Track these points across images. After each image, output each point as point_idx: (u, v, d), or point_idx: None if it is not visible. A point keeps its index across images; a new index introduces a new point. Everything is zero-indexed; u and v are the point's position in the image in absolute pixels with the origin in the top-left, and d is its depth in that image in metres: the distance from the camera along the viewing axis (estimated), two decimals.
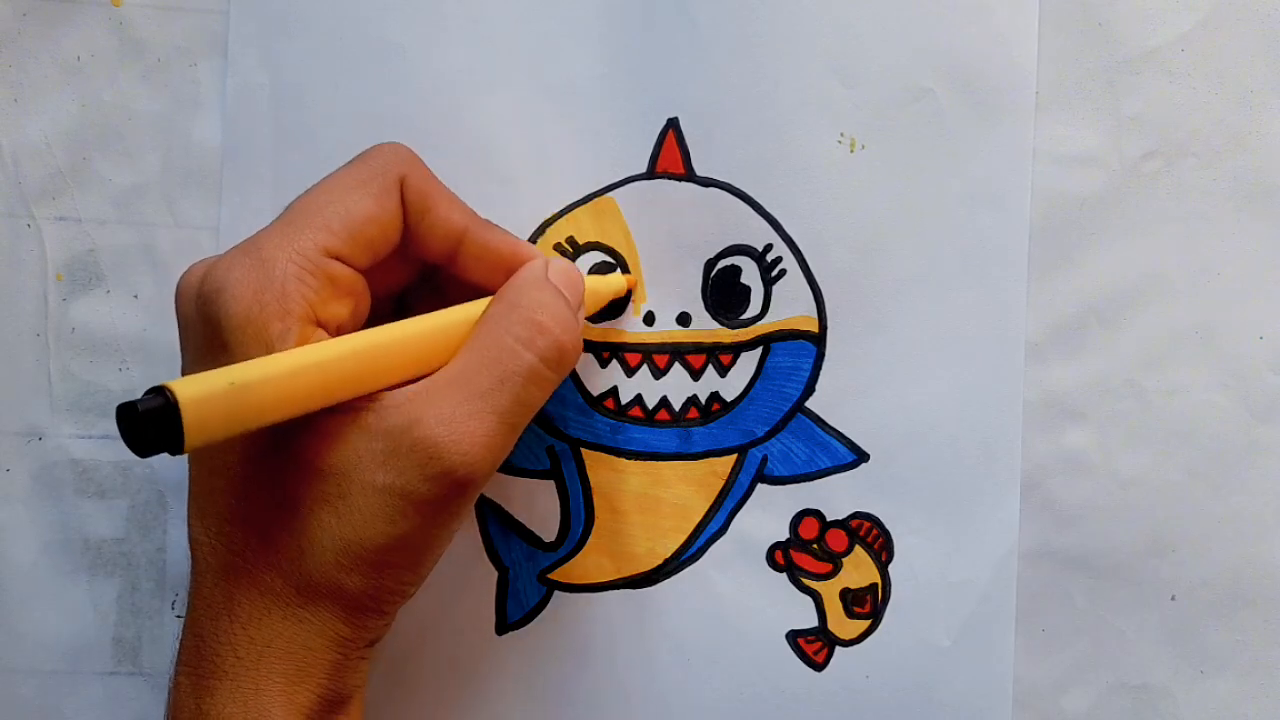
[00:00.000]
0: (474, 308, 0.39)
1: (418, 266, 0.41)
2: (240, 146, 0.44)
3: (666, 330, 0.44)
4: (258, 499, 0.36)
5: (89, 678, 0.44)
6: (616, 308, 0.44)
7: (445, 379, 0.37)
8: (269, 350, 0.35)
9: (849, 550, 0.44)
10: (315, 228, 0.37)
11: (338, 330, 0.37)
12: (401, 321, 0.37)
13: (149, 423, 0.31)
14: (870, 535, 0.44)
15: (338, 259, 0.37)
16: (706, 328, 0.44)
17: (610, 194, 0.44)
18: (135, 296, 0.44)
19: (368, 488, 0.35)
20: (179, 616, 0.44)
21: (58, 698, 0.44)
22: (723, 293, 0.44)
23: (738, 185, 0.44)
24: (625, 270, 0.44)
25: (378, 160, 0.39)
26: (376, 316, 0.39)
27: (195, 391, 0.32)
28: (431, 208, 0.39)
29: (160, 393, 0.31)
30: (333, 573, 0.36)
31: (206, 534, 0.37)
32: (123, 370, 0.44)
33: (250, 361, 0.34)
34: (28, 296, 0.44)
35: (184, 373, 0.37)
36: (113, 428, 0.44)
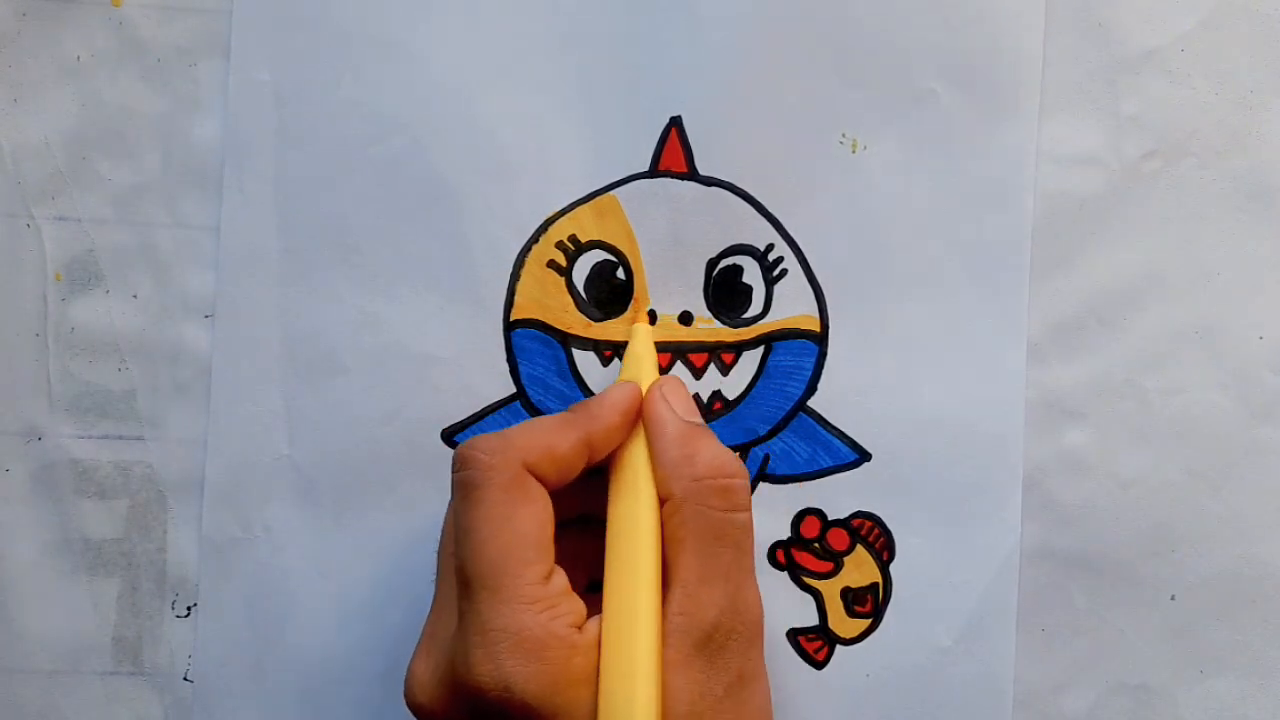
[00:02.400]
0: (643, 487, 0.39)
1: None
2: (241, 145, 0.44)
3: (668, 329, 0.44)
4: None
5: (89, 678, 0.44)
6: (619, 306, 0.44)
7: (695, 577, 0.38)
8: (590, 687, 0.36)
9: (850, 549, 0.44)
10: (528, 563, 0.37)
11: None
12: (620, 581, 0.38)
13: None
14: (871, 534, 0.44)
15: (551, 572, 0.37)
16: (708, 327, 0.44)
17: (612, 192, 0.44)
18: (135, 296, 0.44)
19: (715, 698, 0.37)
20: (179, 617, 0.44)
21: (58, 698, 0.44)
22: (724, 292, 0.44)
23: (740, 185, 0.44)
24: (628, 270, 0.44)
25: (491, 468, 0.38)
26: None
27: None
28: (562, 470, 0.39)
29: None
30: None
31: None
32: (122, 370, 0.44)
33: None
34: (27, 296, 0.44)
35: None
36: (112, 427, 0.44)
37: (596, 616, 0.37)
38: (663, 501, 0.39)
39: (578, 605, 0.37)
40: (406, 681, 0.37)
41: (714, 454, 0.39)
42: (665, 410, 0.40)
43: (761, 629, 0.39)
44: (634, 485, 0.39)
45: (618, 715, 0.35)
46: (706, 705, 0.37)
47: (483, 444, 0.38)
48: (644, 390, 0.41)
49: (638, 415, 0.40)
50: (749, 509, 0.39)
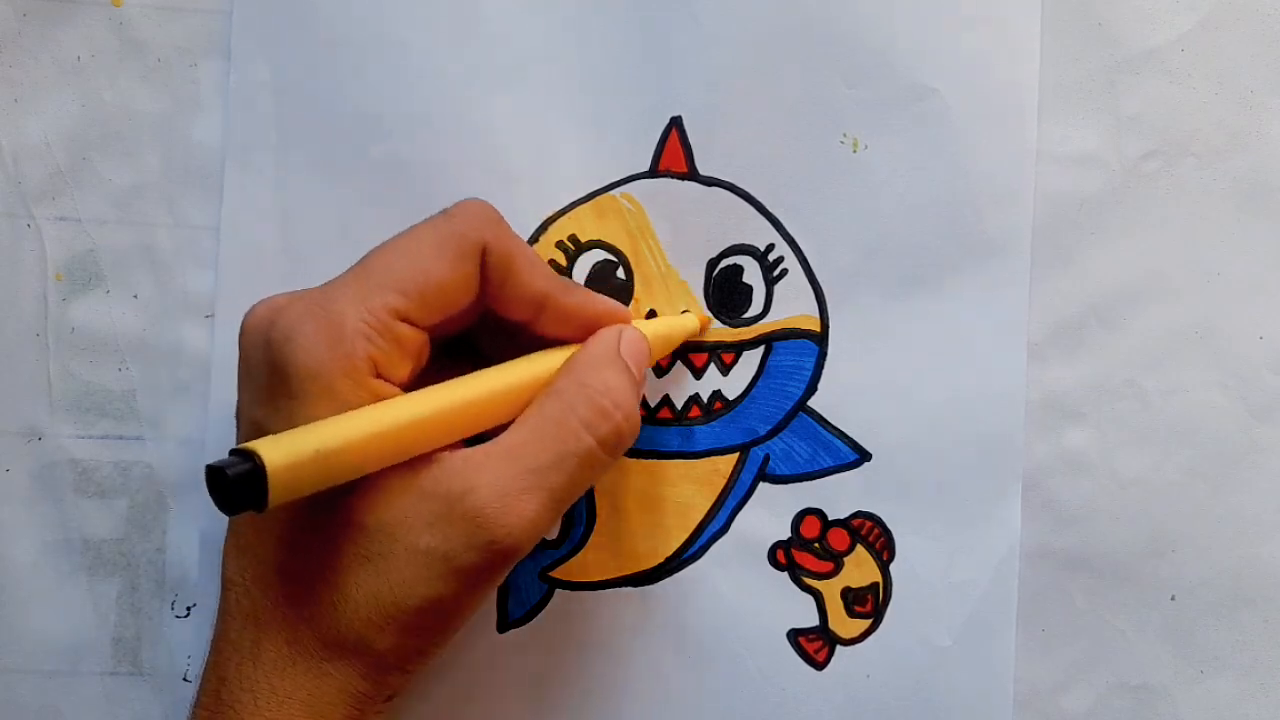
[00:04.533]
0: (542, 366, 0.39)
1: (481, 311, 0.40)
2: (242, 145, 0.44)
3: None
4: (299, 549, 0.36)
5: (88, 678, 0.44)
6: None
7: (503, 448, 0.37)
8: (336, 404, 0.35)
9: (850, 549, 0.44)
10: (389, 289, 0.37)
11: (398, 385, 0.37)
12: (470, 380, 0.38)
13: (237, 485, 0.32)
14: (872, 534, 0.44)
15: (407, 320, 0.37)
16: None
17: (613, 192, 0.44)
18: (135, 296, 0.44)
19: (412, 549, 0.36)
20: (179, 617, 0.44)
21: (57, 698, 0.44)
22: (725, 292, 0.44)
23: (740, 185, 0.44)
24: (628, 270, 0.44)
25: (461, 221, 0.38)
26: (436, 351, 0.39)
27: (282, 458, 0.33)
28: (513, 275, 0.39)
29: (248, 457, 0.32)
30: (363, 630, 0.36)
31: (242, 577, 0.37)
32: (122, 370, 0.44)
33: (330, 424, 0.34)
34: (27, 296, 0.44)
35: (240, 406, 0.38)
36: (112, 427, 0.44)
37: (395, 390, 0.37)
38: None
39: (396, 364, 0.37)
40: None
41: (619, 386, 0.38)
42: (611, 335, 0.40)
43: (514, 556, 0.36)
44: (545, 356, 0.39)
45: (321, 427, 0.34)
46: (412, 541, 0.36)
47: (470, 203, 0.39)
48: (625, 320, 0.41)
49: (593, 321, 0.40)
50: (606, 451, 0.38)
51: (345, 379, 0.35)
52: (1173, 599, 0.45)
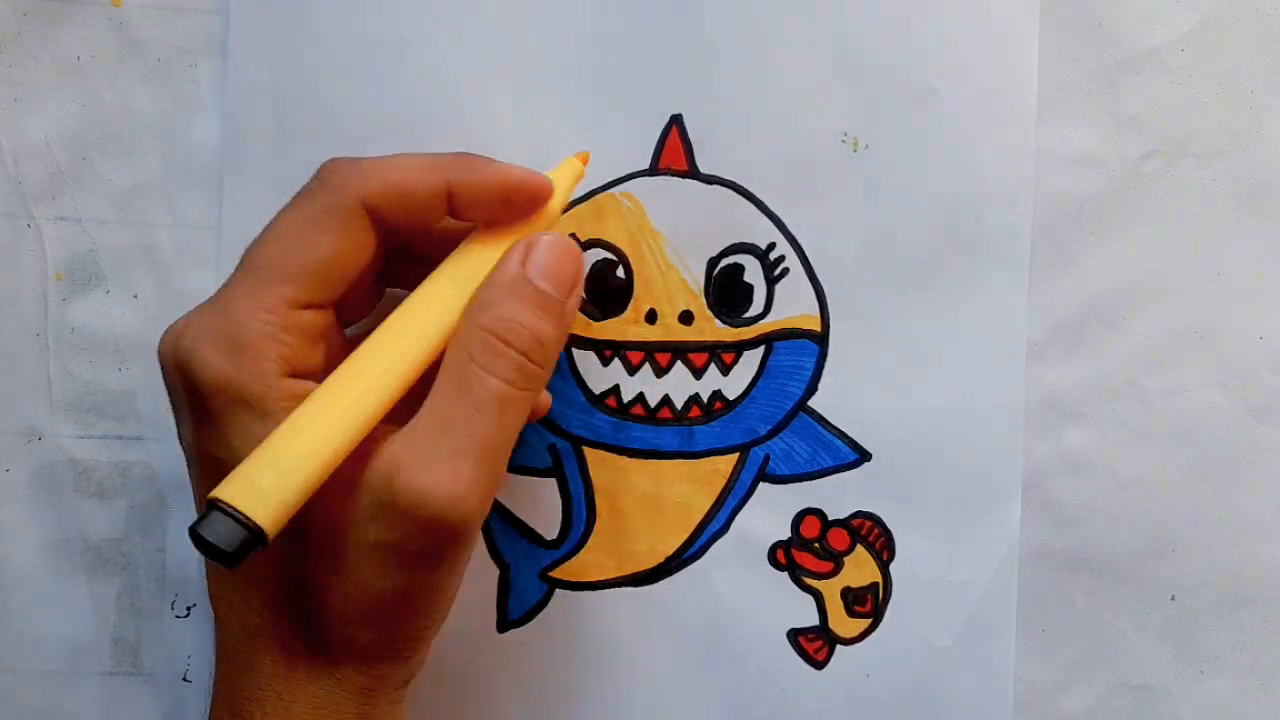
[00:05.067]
0: (445, 300, 0.37)
1: (384, 263, 0.39)
2: (240, 145, 0.44)
3: (668, 328, 0.44)
4: (267, 560, 0.35)
5: (88, 678, 0.44)
6: (619, 305, 0.44)
7: (424, 417, 0.35)
8: (254, 412, 0.34)
9: (850, 549, 0.44)
10: (279, 280, 0.35)
11: (319, 372, 0.36)
12: (377, 340, 0.36)
13: (222, 550, 0.32)
14: (872, 534, 0.44)
15: (309, 306, 0.36)
16: (709, 326, 0.44)
17: (613, 191, 0.44)
18: (135, 296, 0.44)
19: (360, 546, 0.34)
20: (179, 617, 0.44)
21: (57, 698, 0.44)
22: (725, 291, 0.44)
23: (741, 183, 0.44)
24: (627, 269, 0.44)
25: (330, 188, 0.36)
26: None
27: (251, 504, 0.32)
28: (409, 205, 0.37)
29: (224, 512, 0.32)
30: (343, 629, 0.35)
31: (223, 591, 0.37)
32: (122, 370, 0.44)
33: (265, 453, 0.33)
34: (27, 296, 0.44)
35: (179, 433, 0.37)
36: (112, 427, 0.44)
37: (313, 385, 0.35)
38: None
39: (308, 355, 0.36)
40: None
41: (515, 311, 0.36)
42: (516, 254, 0.37)
43: (446, 531, 0.34)
44: (447, 286, 0.37)
45: (271, 445, 0.33)
46: (355, 536, 0.34)
47: (342, 164, 0.37)
48: (538, 189, 0.38)
49: (520, 205, 0.38)
50: (516, 384, 0.35)
51: (257, 384, 0.34)
52: (1173, 599, 0.45)
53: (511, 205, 0.38)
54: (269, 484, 0.32)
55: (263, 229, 0.37)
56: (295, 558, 0.35)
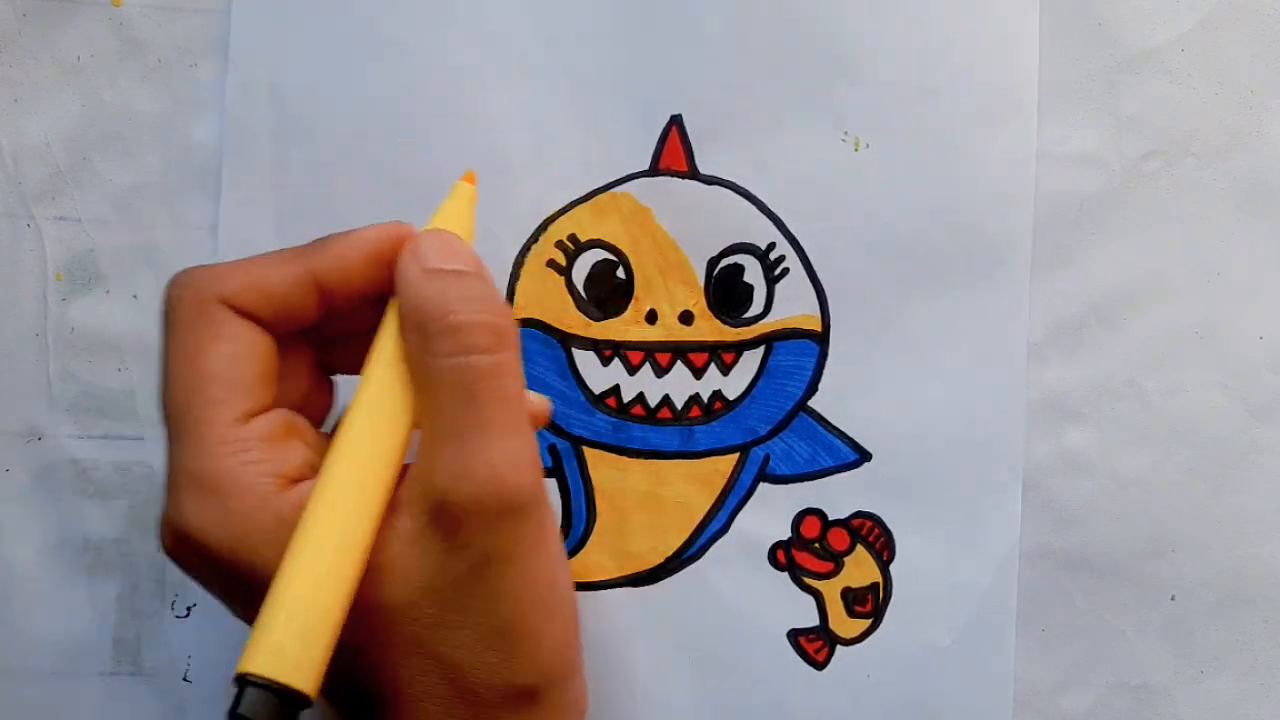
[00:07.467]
0: (387, 349, 0.35)
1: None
2: (240, 145, 0.44)
3: (669, 328, 0.44)
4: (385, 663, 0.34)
5: (89, 678, 0.44)
6: (620, 305, 0.44)
7: (429, 438, 0.34)
8: (277, 548, 0.32)
9: (850, 549, 0.44)
10: (214, 403, 0.34)
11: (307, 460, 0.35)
12: (350, 432, 0.34)
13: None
14: (872, 534, 0.44)
15: (255, 414, 0.34)
16: (709, 326, 0.44)
17: (613, 191, 0.44)
18: (135, 296, 0.44)
19: (456, 579, 0.33)
20: (179, 617, 0.44)
21: (57, 698, 0.44)
22: (725, 291, 0.44)
23: (741, 183, 0.44)
24: (627, 269, 0.44)
25: (187, 301, 0.34)
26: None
27: (284, 670, 0.31)
28: (278, 305, 0.35)
29: (258, 686, 0.31)
30: (489, 678, 0.34)
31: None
32: (122, 370, 0.44)
33: (278, 611, 0.31)
34: (27, 296, 0.44)
35: (241, 607, 0.35)
36: (111, 427, 0.44)
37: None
38: None
39: (287, 457, 0.34)
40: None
41: (447, 294, 0.34)
42: (408, 261, 0.35)
43: (516, 499, 0.33)
44: (379, 342, 0.35)
45: (278, 598, 0.31)
46: (446, 581, 0.33)
47: (179, 276, 0.35)
48: (401, 236, 0.36)
49: (374, 257, 0.35)
50: (491, 350, 0.33)
51: (257, 531, 0.33)
52: (1173, 599, 0.45)
53: (386, 264, 0.35)
54: (293, 646, 0.31)
55: (162, 379, 0.35)
56: (403, 642, 0.34)
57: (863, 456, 0.44)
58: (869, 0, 0.44)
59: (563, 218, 0.44)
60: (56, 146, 0.44)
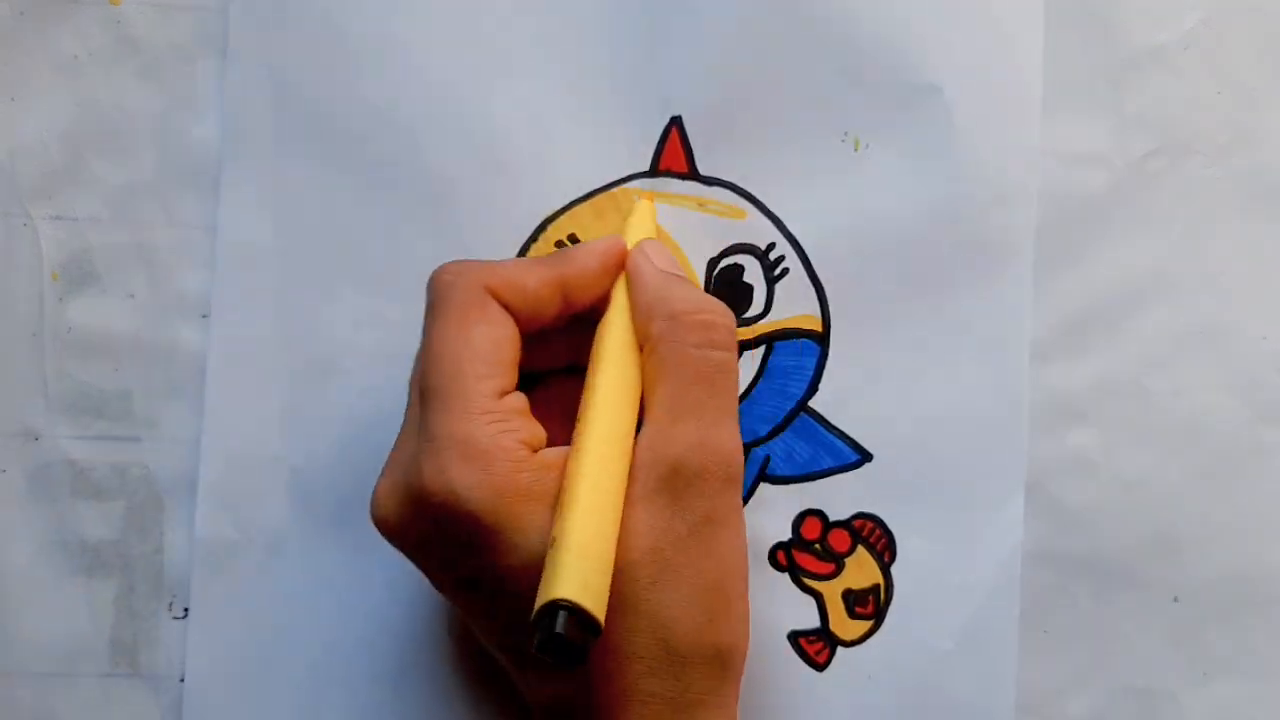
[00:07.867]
0: (617, 336, 0.39)
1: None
2: (239, 144, 0.44)
3: None
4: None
5: (86, 680, 0.44)
6: None
7: (663, 412, 0.38)
8: (530, 505, 0.36)
9: (851, 551, 0.44)
10: (480, 377, 0.37)
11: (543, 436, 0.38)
12: (597, 403, 0.38)
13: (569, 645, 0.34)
14: (873, 536, 0.44)
15: (512, 389, 0.38)
16: None
17: (612, 191, 0.44)
18: (131, 296, 0.44)
19: (677, 539, 0.37)
20: (176, 618, 0.44)
21: (54, 700, 0.44)
22: (726, 291, 0.44)
23: (741, 184, 0.44)
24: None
25: (459, 288, 0.38)
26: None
27: (589, 600, 0.34)
28: (529, 301, 0.39)
29: (569, 611, 0.34)
30: (704, 638, 0.37)
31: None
32: (118, 370, 0.44)
33: (571, 551, 0.35)
34: (23, 296, 0.44)
35: (442, 576, 0.39)
36: (108, 428, 0.44)
37: (563, 447, 0.38)
38: (642, 347, 0.39)
39: (535, 428, 0.38)
40: (371, 499, 0.38)
41: (690, 294, 0.39)
42: (643, 261, 0.40)
43: (737, 474, 0.38)
44: (613, 329, 0.40)
45: (570, 540, 0.35)
46: (668, 542, 0.37)
47: (450, 265, 0.39)
48: (622, 247, 0.41)
49: (621, 268, 0.41)
50: (729, 349, 0.39)
51: (521, 502, 0.36)
52: (1177, 601, 0.44)
53: (611, 270, 0.41)
54: (594, 580, 0.34)
55: (420, 359, 0.38)
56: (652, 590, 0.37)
57: (864, 457, 0.44)
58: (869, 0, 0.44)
59: (562, 217, 0.44)
60: (53, 145, 0.44)
